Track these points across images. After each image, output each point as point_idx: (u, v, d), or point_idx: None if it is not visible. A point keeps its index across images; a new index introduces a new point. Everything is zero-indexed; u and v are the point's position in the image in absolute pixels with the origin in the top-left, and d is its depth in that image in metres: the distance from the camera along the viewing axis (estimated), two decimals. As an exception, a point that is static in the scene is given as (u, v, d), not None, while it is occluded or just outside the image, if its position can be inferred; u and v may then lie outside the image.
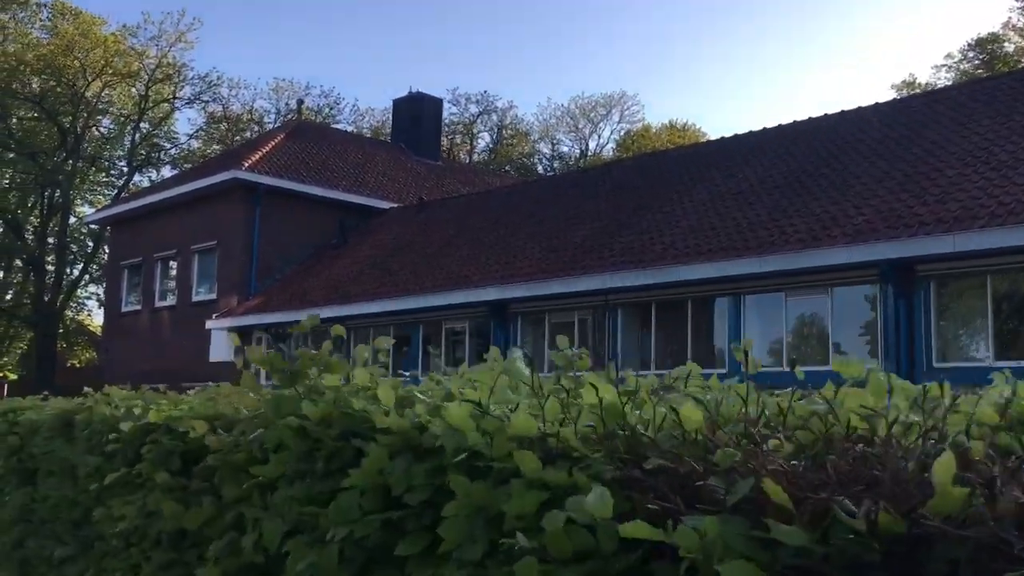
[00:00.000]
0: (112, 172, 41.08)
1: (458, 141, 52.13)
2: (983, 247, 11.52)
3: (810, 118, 18.87)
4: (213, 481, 2.48)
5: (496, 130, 52.69)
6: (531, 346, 18.05)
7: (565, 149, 56.92)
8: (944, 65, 42.71)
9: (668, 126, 56.82)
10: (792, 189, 15.62)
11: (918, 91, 34.96)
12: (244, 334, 24.89)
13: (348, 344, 22.17)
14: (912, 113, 16.87)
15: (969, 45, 41.31)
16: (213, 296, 26.29)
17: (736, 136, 19.89)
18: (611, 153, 53.71)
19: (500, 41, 78.31)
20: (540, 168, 54.04)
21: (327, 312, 21.71)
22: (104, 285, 43.05)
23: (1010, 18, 41.33)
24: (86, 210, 40.87)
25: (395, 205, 28.49)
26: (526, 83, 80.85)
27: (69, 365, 48.10)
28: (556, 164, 54.74)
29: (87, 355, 52.55)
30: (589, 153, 55.88)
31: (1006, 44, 40.86)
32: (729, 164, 18.28)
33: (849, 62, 74.13)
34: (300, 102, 32.92)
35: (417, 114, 33.99)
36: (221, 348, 25.66)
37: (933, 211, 12.57)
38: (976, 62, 40.42)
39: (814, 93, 74.28)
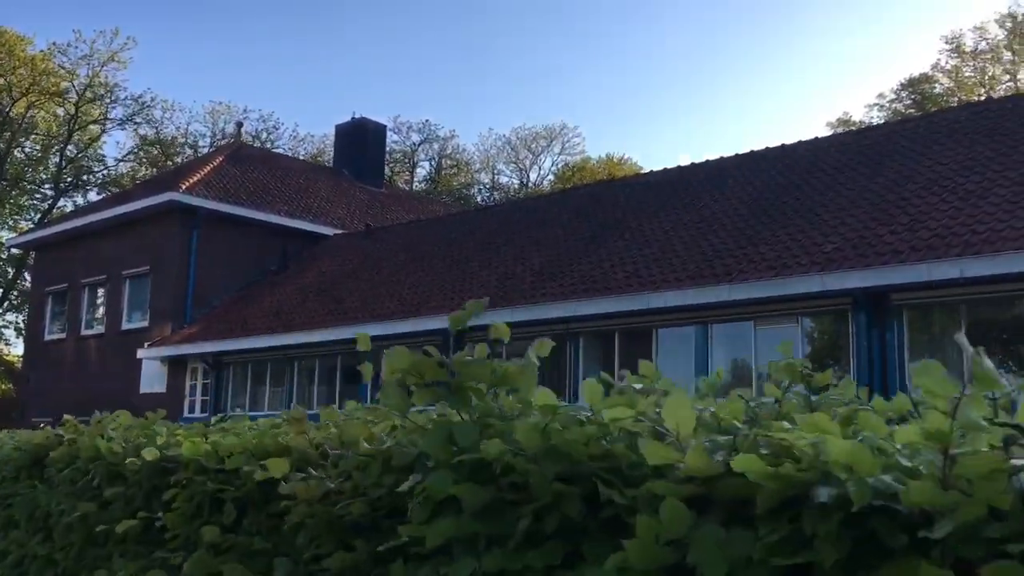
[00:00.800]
0: (36, 196, 39.24)
1: (398, 170, 51.49)
2: (959, 275, 11.38)
3: (768, 148, 18.83)
4: (296, 541, 1.82)
5: (437, 159, 52.23)
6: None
7: (505, 180, 56.79)
8: (876, 104, 43.86)
9: (607, 159, 57.13)
10: (757, 217, 15.43)
11: (853, 128, 35.65)
12: (178, 364, 23.72)
13: (294, 373, 21.27)
14: (871, 144, 16.91)
15: (902, 85, 42.53)
16: (145, 324, 25.04)
17: (694, 164, 19.75)
18: (550, 185, 53.75)
19: (442, 71, 78.24)
20: (479, 199, 53.75)
21: (269, 341, 20.83)
22: (24, 313, 41.10)
23: (939, 59, 42.67)
24: (5, 235, 39.02)
25: (339, 231, 27.69)
26: (467, 113, 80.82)
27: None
28: (496, 195, 54.50)
29: (2, 387, 49.95)
30: (529, 184, 55.80)
31: (936, 85, 42.15)
32: (689, 192, 18.09)
33: (781, 100, 76.03)
34: (239, 124, 31.88)
35: (360, 140, 33.29)
36: (153, 379, 24.42)
37: (904, 239, 12.44)
38: (908, 102, 41.56)
39: (748, 129, 75.87)
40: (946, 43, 42.32)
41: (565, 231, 18.93)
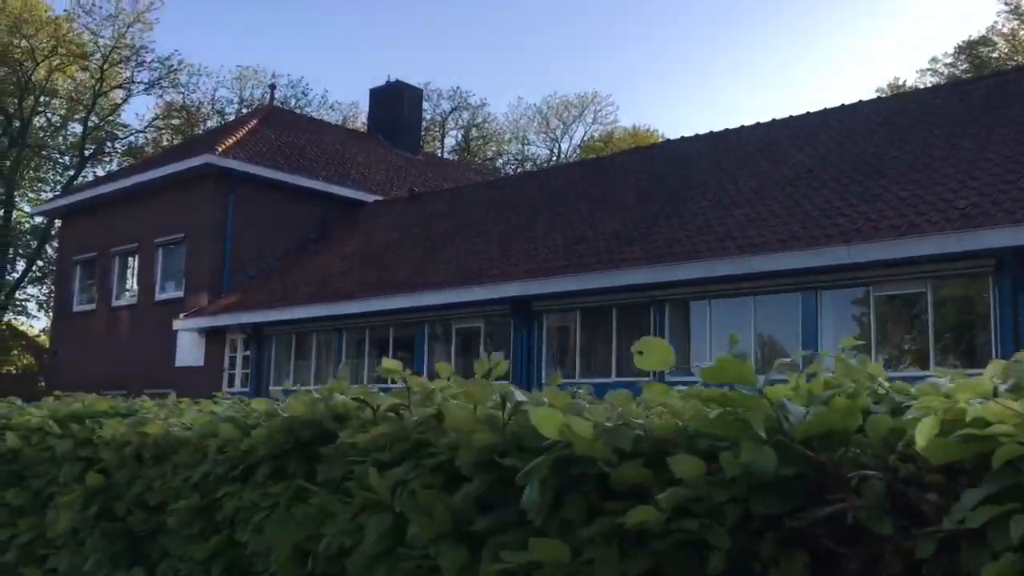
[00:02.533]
0: (59, 164, 37.97)
1: (428, 139, 50.02)
2: None
3: (860, 101, 17.31)
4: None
5: (466, 128, 50.69)
6: (557, 348, 16.14)
7: (534, 151, 55.18)
8: (930, 69, 42.00)
9: (632, 131, 55.22)
10: (864, 174, 13.96)
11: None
12: (216, 335, 22.52)
13: (340, 348, 20.04)
14: (975, 96, 15.37)
15: (959, 48, 40.65)
16: (180, 293, 23.83)
17: (775, 120, 18.21)
18: (579, 158, 52.04)
19: (472, 38, 76.38)
20: (508, 171, 52.17)
21: (314, 311, 19.60)
22: (45, 286, 39.98)
23: (996, 22, 40.72)
24: (27, 208, 37.74)
25: (378, 198, 26.36)
26: (497, 80, 78.83)
27: (9, 371, 44.72)
28: (527, 165, 52.95)
29: (23, 361, 49.03)
30: (561, 156, 54.21)
31: (993, 49, 40.26)
32: (775, 149, 16.62)
33: (832, 67, 73.49)
34: (272, 87, 30.55)
35: (396, 104, 31.85)
36: (189, 351, 23.25)
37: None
38: (964, 66, 39.70)
39: (788, 99, 73.72)
40: (1005, 4, 40.37)
41: (638, 192, 17.51)
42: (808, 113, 17.83)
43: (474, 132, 51.44)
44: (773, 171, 15.64)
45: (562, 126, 54.84)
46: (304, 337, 20.70)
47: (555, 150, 54.60)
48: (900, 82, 42.92)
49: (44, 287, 41.63)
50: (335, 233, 24.27)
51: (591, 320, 15.50)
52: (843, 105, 17.41)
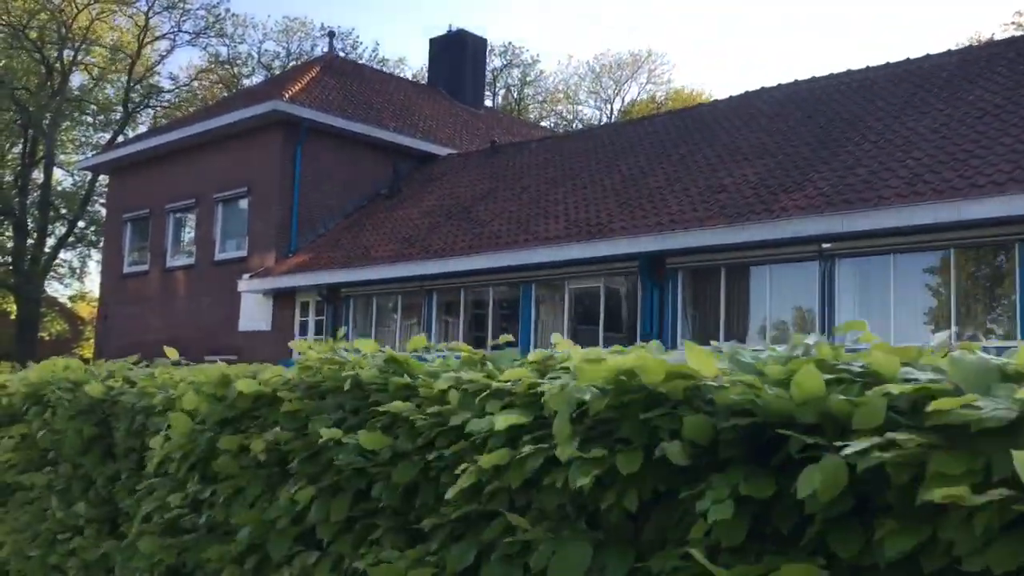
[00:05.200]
0: (98, 122, 36.12)
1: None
2: None
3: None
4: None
5: (519, 86, 48.49)
6: (699, 311, 14.24)
7: (587, 112, 52.90)
8: (1013, 23, 39.39)
9: (675, 92, 52.56)
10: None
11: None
12: (286, 298, 20.79)
13: (429, 309, 18.25)
14: None
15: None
16: (243, 253, 22.09)
17: (936, 54, 16.05)
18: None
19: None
20: (559, 131, 49.91)
21: (398, 271, 17.79)
22: (77, 249, 38.31)
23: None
24: (66, 168, 36.00)
25: (452, 151, 24.43)
26: (546, 38, 75.85)
27: (41, 337, 43.39)
28: (576, 126, 50.72)
29: (58, 327, 47.68)
30: (612, 116, 51.90)
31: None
32: (948, 85, 14.53)
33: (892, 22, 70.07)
34: (331, 34, 28.43)
35: (459, 55, 29.79)
36: (254, 314, 21.54)
37: None
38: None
39: (850, 56, 70.75)
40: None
41: (777, 136, 15.47)
42: (971, 46, 15.69)
43: (527, 91, 49.17)
44: (950, 109, 13.56)
45: (614, 86, 52.58)
46: (386, 299, 18.91)
47: (607, 111, 52.37)
48: (980, 36, 40.31)
49: (76, 251, 40.02)
50: (410, 187, 22.40)
51: (739, 277, 13.57)
52: (1012, 38, 15.26)
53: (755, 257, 13.16)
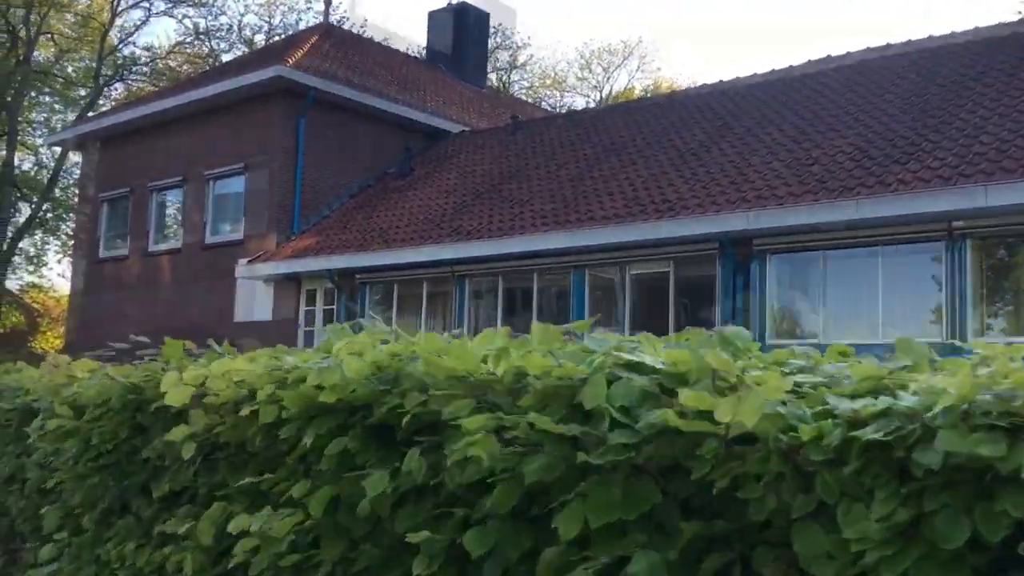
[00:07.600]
0: (67, 98, 33.45)
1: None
2: None
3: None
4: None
5: (508, 69, 46.53)
6: (788, 298, 12.50)
7: (571, 99, 51.07)
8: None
9: (653, 86, 50.82)
10: None
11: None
12: (288, 285, 18.72)
13: (462, 295, 16.34)
14: None
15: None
16: (239, 235, 19.95)
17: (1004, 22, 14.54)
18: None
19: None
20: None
21: (422, 255, 15.86)
22: (56, 231, 35.62)
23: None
24: (27, 148, 33.21)
25: (464, 128, 22.50)
26: (535, 16, 73.59)
27: (-1, 329, 40.52)
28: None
29: (14, 319, 44.75)
30: (600, 105, 50.18)
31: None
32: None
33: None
34: (328, 1, 26.36)
35: (460, 29, 27.82)
36: (251, 303, 19.43)
37: None
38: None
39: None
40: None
41: (877, 104, 13.80)
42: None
43: (514, 75, 47.25)
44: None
45: (603, 73, 50.87)
46: (409, 285, 16.93)
47: (594, 99, 50.61)
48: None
49: (36, 237, 37.23)
50: (423, 166, 20.43)
51: (847, 263, 11.85)
52: None
53: (867, 237, 11.44)
